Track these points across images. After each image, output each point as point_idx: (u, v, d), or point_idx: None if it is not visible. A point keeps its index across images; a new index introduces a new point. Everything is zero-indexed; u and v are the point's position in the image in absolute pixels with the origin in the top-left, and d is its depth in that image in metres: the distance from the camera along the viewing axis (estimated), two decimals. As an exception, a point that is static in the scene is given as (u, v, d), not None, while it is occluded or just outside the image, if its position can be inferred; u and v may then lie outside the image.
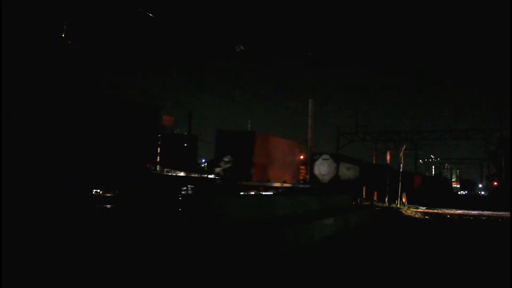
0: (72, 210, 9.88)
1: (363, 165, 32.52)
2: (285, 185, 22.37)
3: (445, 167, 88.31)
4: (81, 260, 5.94)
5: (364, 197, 28.35)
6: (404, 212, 22.14)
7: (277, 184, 21.49)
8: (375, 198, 28.53)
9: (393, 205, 25.54)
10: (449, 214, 23.50)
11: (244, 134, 21.11)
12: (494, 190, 49.31)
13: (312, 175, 28.16)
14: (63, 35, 15.18)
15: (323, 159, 28.65)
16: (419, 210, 25.25)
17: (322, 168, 28.44)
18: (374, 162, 46.10)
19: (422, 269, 7.65)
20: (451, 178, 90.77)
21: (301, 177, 28.51)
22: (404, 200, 27.37)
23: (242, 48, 23.45)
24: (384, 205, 25.60)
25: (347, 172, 29.22)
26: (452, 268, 7.97)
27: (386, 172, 34.01)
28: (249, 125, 39.05)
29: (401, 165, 28.32)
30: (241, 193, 18.99)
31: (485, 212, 25.16)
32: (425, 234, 13.92)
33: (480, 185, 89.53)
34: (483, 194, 77.29)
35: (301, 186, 25.10)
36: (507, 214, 23.59)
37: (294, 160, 24.13)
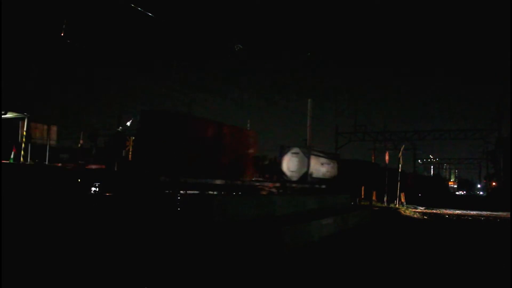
0: (71, 209, 9.89)
1: (343, 162, 29.71)
2: (238, 182, 18.54)
3: (444, 167, 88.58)
4: (80, 259, 5.96)
5: (362, 196, 28.31)
6: (402, 212, 22.17)
7: (218, 182, 17.19)
8: (374, 198, 28.50)
9: (392, 205, 25.57)
10: (447, 214, 23.54)
11: (176, 116, 16.64)
12: (493, 190, 49.42)
13: (280, 171, 24.79)
14: (62, 34, 15.17)
15: (293, 153, 24.91)
16: (417, 210, 25.29)
17: (291, 164, 24.85)
18: (373, 161, 46.24)
19: (420, 269, 7.69)
20: (449, 178, 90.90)
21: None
22: (403, 200, 27.36)
23: (241, 47, 23.46)
24: (383, 205, 25.63)
25: (322, 168, 25.95)
26: (452, 269, 8.00)
27: (372, 169, 32.97)
28: (248, 125, 38.99)
29: (400, 165, 28.28)
30: (166, 191, 14.79)
31: (484, 212, 25.21)
32: (423, 234, 13.96)
33: (479, 185, 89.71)
34: (482, 194, 77.41)
35: (257, 184, 21.05)
36: (506, 214, 23.64)
37: (245, 152, 19.69)
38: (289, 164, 24.77)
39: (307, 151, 25.03)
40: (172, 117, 16.17)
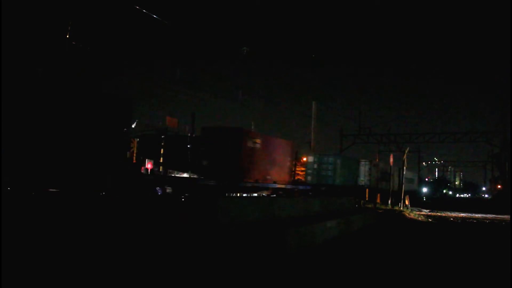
0: (70, 208, 9.88)
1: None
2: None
3: (449, 169, 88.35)
4: (81, 260, 5.94)
5: (367, 199, 28.23)
6: (407, 215, 22.06)
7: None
8: (378, 200, 28.40)
9: (396, 208, 25.46)
10: (452, 217, 23.40)
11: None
12: (498, 193, 49.08)
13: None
14: (67, 36, 15.23)
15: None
16: (422, 212, 25.17)
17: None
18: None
19: (425, 272, 7.62)
20: (454, 180, 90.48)
21: (299, 178, 28.36)
22: (407, 202, 27.27)
23: (248, 49, 23.61)
24: (387, 207, 25.51)
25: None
26: (457, 272, 7.92)
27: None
28: (252, 126, 38.97)
29: (404, 167, 28.22)
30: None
31: (489, 215, 25.04)
32: (427, 236, 13.87)
33: (484, 188, 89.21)
34: (487, 197, 76.89)
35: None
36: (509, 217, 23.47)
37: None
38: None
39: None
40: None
